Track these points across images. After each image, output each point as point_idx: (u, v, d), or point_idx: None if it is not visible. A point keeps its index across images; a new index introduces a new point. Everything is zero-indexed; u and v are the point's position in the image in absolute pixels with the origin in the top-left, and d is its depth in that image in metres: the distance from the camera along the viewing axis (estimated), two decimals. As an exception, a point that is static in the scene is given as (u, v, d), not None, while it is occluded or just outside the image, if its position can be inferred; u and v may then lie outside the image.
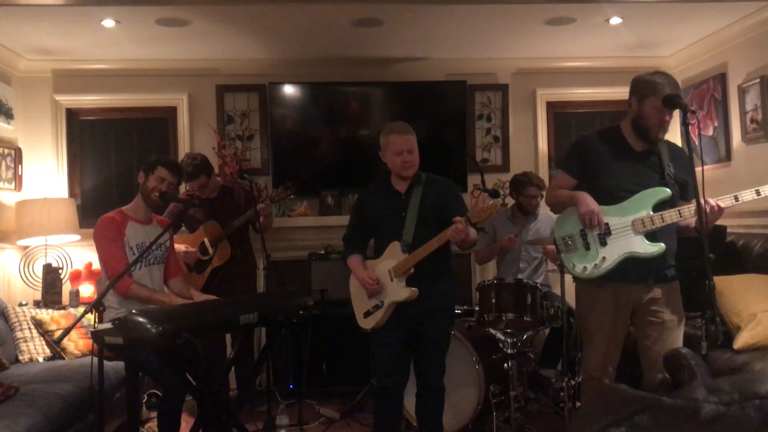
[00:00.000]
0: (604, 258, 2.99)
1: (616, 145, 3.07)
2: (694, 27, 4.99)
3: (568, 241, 3.09)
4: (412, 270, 3.21)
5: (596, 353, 3.09)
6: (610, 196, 3.01)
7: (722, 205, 2.84)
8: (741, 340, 3.67)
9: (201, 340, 2.88)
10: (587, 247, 3.04)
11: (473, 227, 3.09)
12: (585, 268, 3.03)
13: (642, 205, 2.95)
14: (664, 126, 2.97)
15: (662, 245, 2.93)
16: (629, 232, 2.96)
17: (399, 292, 3.24)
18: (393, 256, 3.29)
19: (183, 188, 4.50)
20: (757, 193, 2.86)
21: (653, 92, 2.93)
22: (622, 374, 3.22)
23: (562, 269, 3.78)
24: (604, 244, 3.00)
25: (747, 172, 4.74)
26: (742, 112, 4.84)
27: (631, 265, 2.96)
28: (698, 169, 2.74)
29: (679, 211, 2.90)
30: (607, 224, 2.99)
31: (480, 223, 3.06)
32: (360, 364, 4.64)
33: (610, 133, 3.15)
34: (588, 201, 2.99)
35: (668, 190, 2.95)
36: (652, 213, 2.93)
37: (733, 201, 2.86)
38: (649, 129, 2.98)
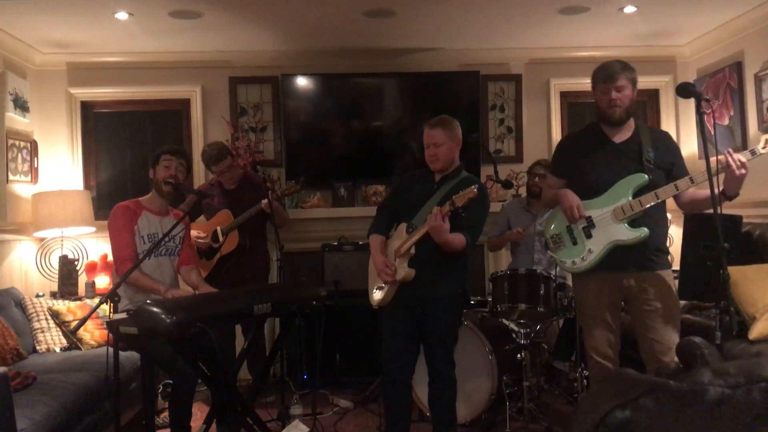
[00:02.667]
0: (590, 250, 3.08)
1: (594, 140, 3.17)
2: (710, 15, 4.94)
3: (557, 239, 3.20)
4: (412, 252, 3.26)
5: (596, 341, 3.14)
6: (593, 191, 3.10)
7: (743, 158, 2.83)
8: (756, 331, 3.64)
9: (214, 330, 2.91)
10: (574, 242, 3.14)
11: (456, 214, 3.08)
12: (574, 262, 3.14)
13: (621, 194, 3.03)
14: (613, 104, 3.04)
15: (644, 230, 2.99)
16: (611, 221, 3.03)
17: (397, 271, 3.30)
18: (399, 237, 3.37)
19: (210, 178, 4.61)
20: (752, 153, 2.88)
21: (596, 78, 3.10)
22: (627, 360, 3.24)
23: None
24: (589, 236, 3.09)
25: (763, 161, 4.67)
26: (759, 101, 4.79)
27: (618, 253, 3.03)
28: (712, 159, 2.73)
29: (656, 193, 2.96)
30: (590, 217, 3.08)
31: (462, 208, 3.06)
32: (373, 354, 4.64)
33: (588, 129, 3.26)
34: (568, 196, 3.10)
35: (645, 175, 3.00)
36: (631, 200, 3.00)
37: (750, 155, 2.87)
38: (603, 112, 3.09)
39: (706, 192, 2.89)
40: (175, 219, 3.64)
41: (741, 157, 2.84)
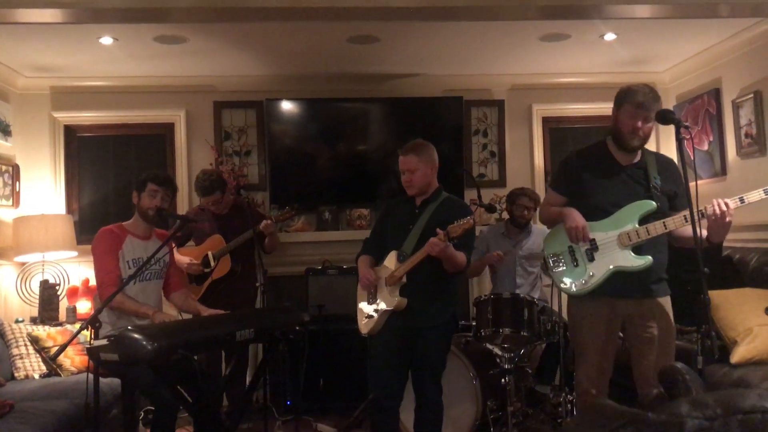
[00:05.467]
0: (592, 274, 3.01)
1: (601, 160, 3.09)
2: (688, 43, 5.03)
3: (557, 259, 3.12)
4: (404, 280, 3.26)
5: (588, 367, 3.10)
6: (597, 212, 3.02)
7: (731, 204, 2.78)
8: (737, 355, 3.67)
9: (200, 356, 2.88)
10: (576, 264, 3.06)
11: (451, 242, 3.10)
12: (574, 284, 3.06)
13: (628, 219, 2.96)
14: (636, 132, 2.97)
15: (649, 258, 2.93)
16: (615, 246, 2.96)
17: (390, 300, 3.28)
18: (389, 264, 3.36)
19: (198, 202, 4.57)
20: (766, 192, 2.82)
21: (627, 99, 2.98)
22: (616, 388, 3.23)
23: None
24: (591, 259, 3.02)
25: (742, 186, 4.70)
26: (737, 127, 4.87)
27: (619, 279, 2.97)
28: (692, 184, 2.69)
29: (664, 223, 2.90)
30: (593, 240, 3.01)
31: (457, 238, 3.07)
32: (357, 379, 4.62)
33: (595, 148, 3.17)
34: (575, 216, 3.01)
35: (653, 202, 2.95)
36: (637, 226, 2.94)
37: (738, 202, 2.82)
38: (622, 135, 3.00)
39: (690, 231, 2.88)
40: (159, 241, 3.60)
41: (730, 203, 2.79)
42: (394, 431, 3.45)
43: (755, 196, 2.83)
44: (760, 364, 3.62)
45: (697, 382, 1.94)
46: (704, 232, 2.87)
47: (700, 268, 2.59)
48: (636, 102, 2.95)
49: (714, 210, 2.79)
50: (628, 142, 3.01)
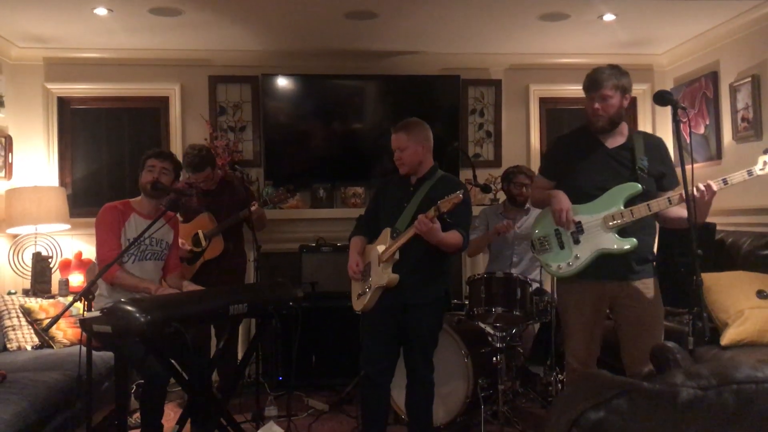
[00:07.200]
0: (577, 256, 3.05)
1: (588, 143, 3.12)
2: (687, 25, 5.01)
3: (544, 241, 3.16)
4: (397, 257, 3.26)
5: (576, 347, 3.14)
6: (583, 195, 3.06)
7: (714, 186, 2.80)
8: (728, 337, 3.69)
9: (190, 330, 2.88)
10: (561, 246, 3.11)
11: (441, 220, 3.10)
12: (560, 266, 3.10)
13: (613, 202, 2.99)
14: (596, 114, 3.02)
15: (634, 240, 2.96)
16: (600, 229, 3.00)
17: (382, 276, 3.28)
18: (383, 242, 3.36)
19: (185, 178, 4.49)
20: (749, 173, 2.85)
21: (583, 85, 3.07)
22: (605, 367, 3.26)
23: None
24: (577, 242, 3.06)
25: (737, 171, 4.75)
26: (734, 111, 4.86)
27: (605, 261, 3.00)
28: (688, 167, 2.68)
29: (648, 205, 2.92)
30: (579, 222, 3.04)
31: (447, 213, 3.07)
32: (349, 356, 4.64)
33: (582, 132, 3.20)
34: (561, 198, 3.05)
35: (638, 185, 2.97)
36: (622, 208, 2.97)
37: (722, 184, 2.84)
38: (589, 121, 3.08)
39: (676, 211, 2.96)
40: (165, 222, 3.58)
41: (713, 185, 2.81)
42: (385, 408, 3.47)
43: (738, 177, 2.86)
44: (750, 347, 3.65)
45: (687, 361, 1.95)
46: (685, 213, 2.90)
47: (693, 249, 2.61)
48: (587, 84, 3.04)
49: (695, 193, 2.81)
50: (593, 125, 3.07)
